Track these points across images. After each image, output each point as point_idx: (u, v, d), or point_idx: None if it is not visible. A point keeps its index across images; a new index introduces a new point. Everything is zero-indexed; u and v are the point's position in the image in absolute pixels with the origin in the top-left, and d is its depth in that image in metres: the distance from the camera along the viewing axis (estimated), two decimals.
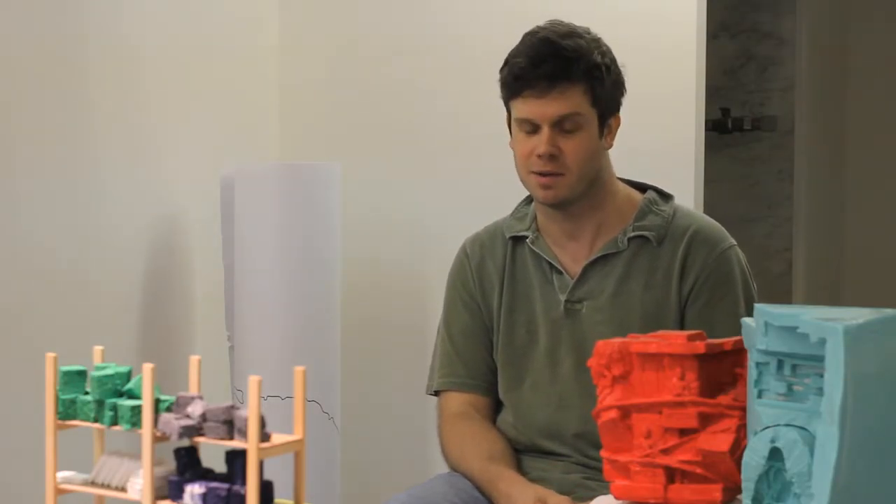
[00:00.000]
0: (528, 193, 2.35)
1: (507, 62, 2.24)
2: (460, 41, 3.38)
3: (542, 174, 2.21)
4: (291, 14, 3.60)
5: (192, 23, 3.31)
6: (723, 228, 2.32)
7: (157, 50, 3.17)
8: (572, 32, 2.23)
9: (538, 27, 2.25)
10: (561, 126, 2.20)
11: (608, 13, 3.15)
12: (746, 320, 1.55)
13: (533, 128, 2.21)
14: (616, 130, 2.29)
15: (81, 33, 2.94)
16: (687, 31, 3.14)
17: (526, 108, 2.21)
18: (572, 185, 2.22)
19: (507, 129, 2.30)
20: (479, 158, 3.33)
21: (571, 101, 2.19)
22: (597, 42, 2.24)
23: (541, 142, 2.20)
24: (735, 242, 2.30)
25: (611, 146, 2.29)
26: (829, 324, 1.37)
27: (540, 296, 2.30)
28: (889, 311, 1.42)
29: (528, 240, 2.33)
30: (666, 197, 2.34)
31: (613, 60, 2.26)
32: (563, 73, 2.18)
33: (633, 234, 2.27)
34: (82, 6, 2.95)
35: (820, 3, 4.76)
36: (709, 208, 3.20)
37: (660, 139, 3.14)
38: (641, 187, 2.36)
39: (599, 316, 2.25)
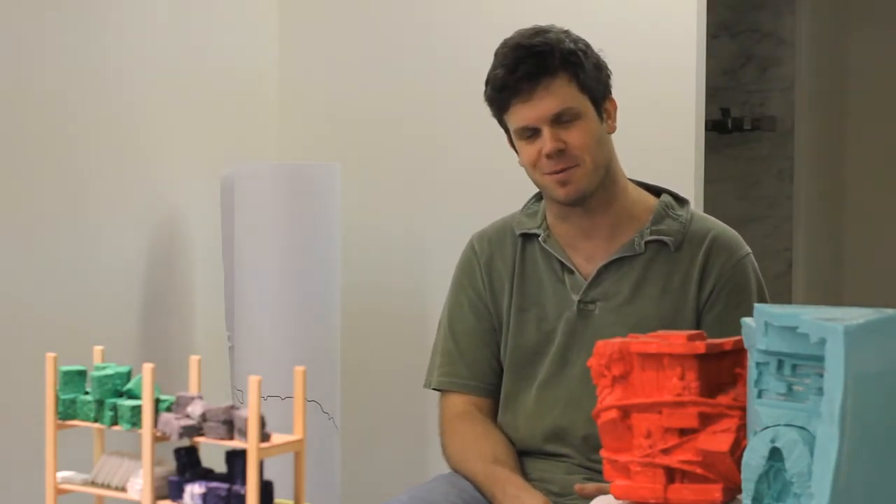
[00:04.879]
0: (537, 190, 2.34)
1: (487, 81, 2.24)
2: (461, 41, 3.38)
3: (556, 172, 2.20)
4: (291, 14, 3.60)
5: (192, 23, 3.31)
6: (739, 236, 2.31)
7: (157, 49, 3.17)
8: (539, 31, 2.23)
9: (506, 39, 2.25)
10: (559, 121, 2.19)
11: (608, 14, 3.16)
12: (746, 320, 1.55)
13: (533, 132, 2.20)
14: (615, 114, 2.28)
15: (81, 33, 2.94)
16: (687, 31, 3.13)
17: (519, 115, 2.20)
18: (588, 175, 2.20)
19: (513, 149, 2.28)
20: (480, 158, 3.32)
21: (559, 93, 2.19)
22: (565, 32, 2.24)
23: (544, 142, 2.18)
24: (750, 251, 2.30)
25: (614, 130, 2.27)
26: (829, 324, 1.37)
27: (552, 294, 2.28)
28: (889, 311, 1.42)
29: (539, 238, 2.31)
30: (681, 201, 2.33)
31: (588, 45, 2.25)
32: (541, 69, 2.18)
33: (650, 237, 2.26)
34: (81, 5, 2.95)
35: (820, 3, 4.76)
36: (709, 208, 3.20)
37: (660, 139, 3.14)
38: (655, 190, 2.35)
39: (614, 318, 2.23)
